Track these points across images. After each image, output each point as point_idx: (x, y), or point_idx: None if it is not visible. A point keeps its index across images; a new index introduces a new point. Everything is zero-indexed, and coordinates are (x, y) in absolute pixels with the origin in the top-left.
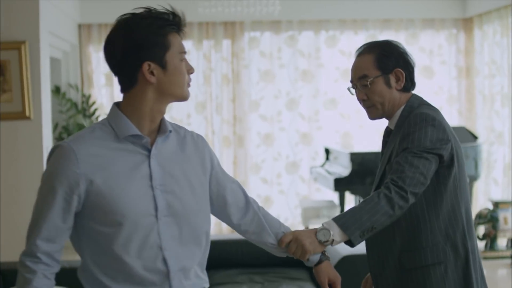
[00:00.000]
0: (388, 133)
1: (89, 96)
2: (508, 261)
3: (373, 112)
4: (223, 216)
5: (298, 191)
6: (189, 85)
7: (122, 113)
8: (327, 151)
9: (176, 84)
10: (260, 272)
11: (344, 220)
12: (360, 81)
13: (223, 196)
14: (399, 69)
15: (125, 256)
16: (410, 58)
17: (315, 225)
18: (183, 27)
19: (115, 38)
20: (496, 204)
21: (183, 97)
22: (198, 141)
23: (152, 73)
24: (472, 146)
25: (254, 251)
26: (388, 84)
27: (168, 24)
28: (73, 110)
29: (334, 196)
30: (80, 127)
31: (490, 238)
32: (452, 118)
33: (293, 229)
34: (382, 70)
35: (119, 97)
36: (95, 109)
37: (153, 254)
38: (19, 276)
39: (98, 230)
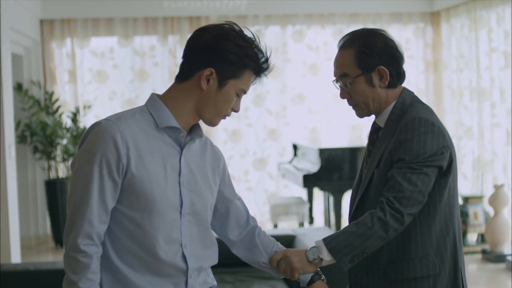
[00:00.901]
0: (376, 130)
1: (52, 93)
2: (478, 256)
3: (359, 111)
4: (222, 230)
5: (266, 188)
6: (224, 118)
7: (164, 104)
8: (295, 147)
9: (217, 107)
10: (231, 271)
11: (333, 244)
12: (341, 79)
13: (227, 210)
14: (382, 67)
15: (150, 244)
16: (397, 50)
17: (283, 222)
18: (263, 75)
19: (209, 31)
20: (466, 199)
21: (212, 123)
22: (216, 151)
23: (208, 81)
24: None
25: (225, 250)
26: (370, 83)
27: (256, 62)
28: (36, 108)
29: (303, 193)
30: (43, 124)
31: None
32: None
33: (261, 226)
34: (363, 68)
35: (82, 94)
36: (58, 106)
37: (174, 249)
38: (71, 262)
39: (127, 214)
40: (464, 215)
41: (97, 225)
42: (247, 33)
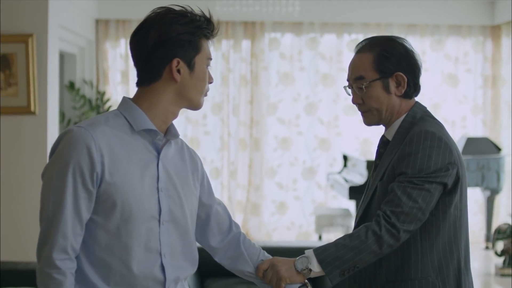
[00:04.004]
0: (384, 143)
1: (104, 93)
2: None
3: (369, 118)
4: (203, 236)
5: (314, 198)
6: (206, 95)
7: (138, 107)
8: (345, 158)
9: (197, 89)
10: None
11: (324, 256)
12: (355, 83)
13: (207, 215)
14: (401, 73)
15: (126, 256)
16: (416, 60)
17: (329, 233)
18: (215, 35)
19: (149, 28)
20: None
21: (198, 105)
22: (193, 154)
23: (178, 71)
24: (495, 158)
25: None
26: (386, 89)
27: (204, 28)
28: (87, 107)
29: (351, 204)
30: None
31: (509, 255)
32: (477, 128)
33: (307, 237)
34: (381, 72)
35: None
36: (109, 107)
37: (152, 259)
38: (45, 278)
39: (103, 225)
40: None
41: (72, 238)
42: (177, 7)
